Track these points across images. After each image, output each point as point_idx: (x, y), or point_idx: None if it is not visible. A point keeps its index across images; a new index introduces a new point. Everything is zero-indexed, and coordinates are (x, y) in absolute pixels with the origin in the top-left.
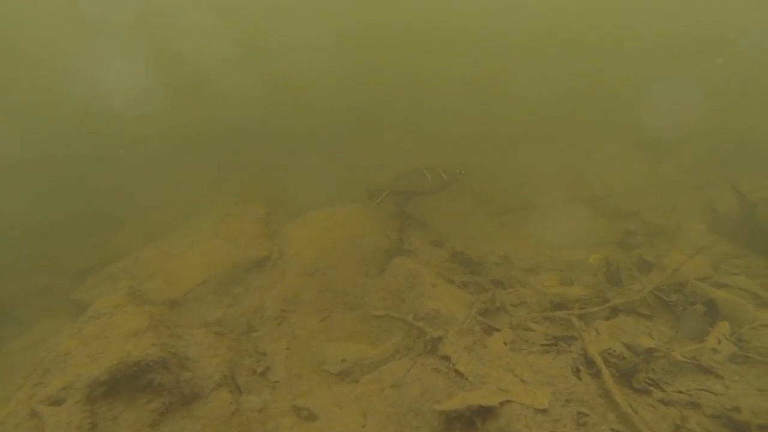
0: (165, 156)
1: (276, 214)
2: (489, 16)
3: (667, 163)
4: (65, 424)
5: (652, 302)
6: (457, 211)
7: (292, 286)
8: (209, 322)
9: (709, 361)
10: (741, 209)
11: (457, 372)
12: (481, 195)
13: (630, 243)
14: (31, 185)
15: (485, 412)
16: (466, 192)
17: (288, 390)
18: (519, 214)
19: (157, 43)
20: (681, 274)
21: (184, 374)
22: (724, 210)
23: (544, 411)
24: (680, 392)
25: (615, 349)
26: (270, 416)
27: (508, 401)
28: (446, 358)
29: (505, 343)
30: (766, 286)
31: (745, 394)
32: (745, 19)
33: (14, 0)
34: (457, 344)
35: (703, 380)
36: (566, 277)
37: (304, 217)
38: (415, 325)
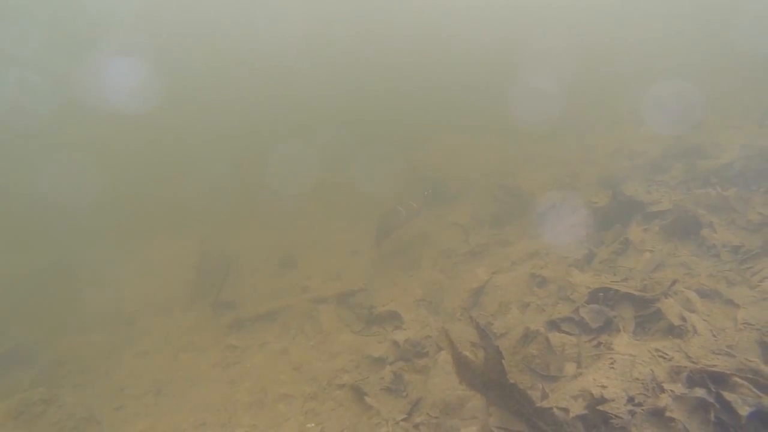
0: None
1: None
2: None
3: (448, 220)
4: None
5: None
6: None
7: None
8: None
9: None
10: (486, 354)
11: None
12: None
13: (374, 389)
14: None
15: None
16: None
17: None
18: (249, 332)
19: None
20: None
21: None
22: (469, 348)
23: None
24: None
25: None
26: None
27: None
28: None
29: None
30: None
31: None
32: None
33: None
34: None
35: None
36: None
37: None
38: None
